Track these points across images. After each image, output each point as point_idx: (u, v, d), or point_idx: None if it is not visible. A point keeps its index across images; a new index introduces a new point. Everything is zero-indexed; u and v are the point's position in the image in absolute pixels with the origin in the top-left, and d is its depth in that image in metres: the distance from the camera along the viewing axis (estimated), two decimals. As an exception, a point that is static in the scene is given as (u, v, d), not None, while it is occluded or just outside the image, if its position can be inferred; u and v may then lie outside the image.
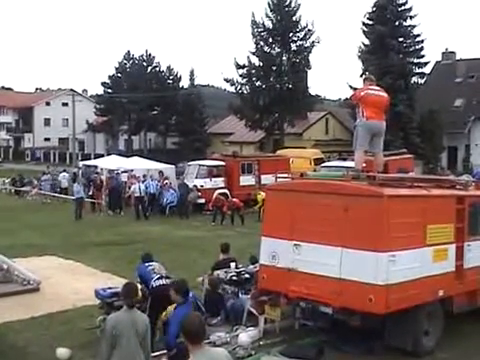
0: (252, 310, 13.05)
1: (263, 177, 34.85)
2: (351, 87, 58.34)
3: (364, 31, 61.52)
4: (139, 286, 10.81)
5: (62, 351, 11.80)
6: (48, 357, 11.86)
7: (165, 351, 9.69)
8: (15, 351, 12.22)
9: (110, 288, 12.57)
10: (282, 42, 64.01)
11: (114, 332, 7.90)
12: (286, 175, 14.53)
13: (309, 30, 64.24)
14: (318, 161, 42.95)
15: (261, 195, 29.77)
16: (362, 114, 12.34)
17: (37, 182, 45.72)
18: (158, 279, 12.18)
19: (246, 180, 35.22)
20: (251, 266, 14.47)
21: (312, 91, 68.95)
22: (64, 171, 46.07)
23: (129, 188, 34.19)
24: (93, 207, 35.91)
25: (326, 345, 11.87)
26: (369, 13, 61.07)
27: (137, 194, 32.96)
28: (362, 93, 12.57)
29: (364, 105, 12.35)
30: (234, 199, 31.83)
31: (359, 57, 61.65)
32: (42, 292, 16.97)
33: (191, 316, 6.79)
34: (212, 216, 31.01)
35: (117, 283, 13.66)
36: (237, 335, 12.16)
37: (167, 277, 12.31)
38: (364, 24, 61.54)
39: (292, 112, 63.60)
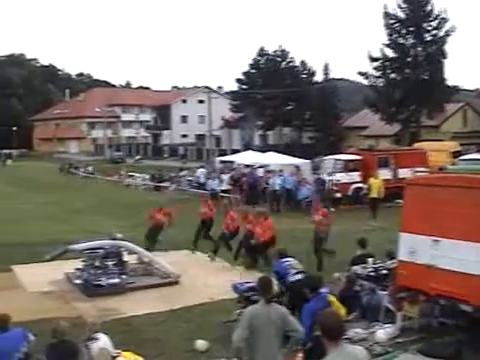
0: (390, 307, 12.82)
1: (400, 171, 34.20)
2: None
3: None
4: (275, 281, 10.86)
5: (201, 343, 12.03)
6: (186, 349, 12.11)
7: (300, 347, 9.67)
8: (155, 342, 12.55)
9: (247, 282, 12.68)
10: (416, 33, 62.59)
11: (250, 324, 7.95)
12: (424, 169, 14.19)
13: (443, 19, 62.56)
14: (456, 154, 41.65)
15: (376, 181, 29.42)
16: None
17: (175, 178, 46.83)
18: (295, 274, 12.18)
19: (383, 174, 34.52)
20: (389, 262, 14.19)
21: (449, 82, 67.07)
22: (201, 167, 46.91)
23: (266, 183, 34.36)
24: (229, 202, 36.32)
25: (464, 344, 11.49)
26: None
27: (274, 188, 33.10)
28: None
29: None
30: None
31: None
32: (181, 285, 17.37)
33: (329, 312, 6.73)
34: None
35: (254, 277, 13.76)
36: (374, 332, 11.99)
37: (304, 272, 12.30)
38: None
39: (428, 104, 62.08)
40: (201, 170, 45.37)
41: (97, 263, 16.96)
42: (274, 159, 40.14)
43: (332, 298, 10.63)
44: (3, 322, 9.29)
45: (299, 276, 12.10)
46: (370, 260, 14.29)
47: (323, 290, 9.74)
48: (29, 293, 16.87)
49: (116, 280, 16.81)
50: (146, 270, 18.53)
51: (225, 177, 36.82)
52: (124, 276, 17.11)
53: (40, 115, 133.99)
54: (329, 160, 37.39)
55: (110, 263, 17.08)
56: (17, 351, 9.03)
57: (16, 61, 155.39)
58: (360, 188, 34.16)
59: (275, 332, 8.02)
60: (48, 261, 18.26)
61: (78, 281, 17.18)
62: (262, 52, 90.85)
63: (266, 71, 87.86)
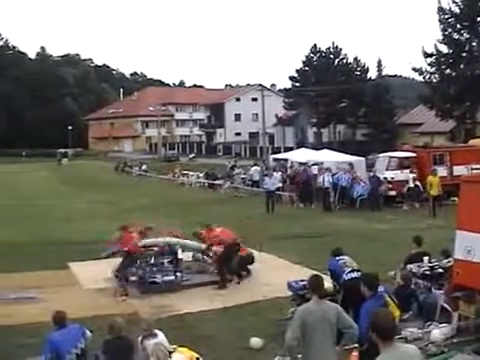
0: (445, 306, 12.66)
1: (455, 168, 33.68)
2: None
3: None
4: (329, 279, 10.80)
5: (255, 341, 12.05)
6: (240, 346, 12.14)
7: (356, 345, 9.61)
8: (209, 339, 12.62)
9: (302, 280, 12.64)
10: (471, 27, 61.35)
11: (303, 322, 7.95)
12: (480, 166, 13.99)
13: (499, 12, 61.27)
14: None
15: (435, 179, 29.15)
16: None
17: (229, 175, 46.94)
18: (350, 272, 12.11)
19: (438, 172, 34.09)
20: (445, 260, 14.00)
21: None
22: (255, 165, 46.94)
23: (322, 181, 34.20)
24: (283, 200, 36.33)
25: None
26: None
27: (324, 186, 32.98)
28: None
29: None
30: None
31: None
32: (234, 283, 17.41)
33: (382, 312, 6.69)
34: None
35: (308, 276, 13.73)
36: (429, 331, 11.84)
37: (358, 270, 12.22)
38: None
39: (485, 100, 60.97)
40: (255, 168, 45.41)
41: (152, 260, 17.11)
42: (328, 156, 39.87)
43: (387, 298, 10.53)
44: (61, 318, 9.44)
45: (354, 274, 12.02)
46: (426, 258, 14.11)
47: (380, 289, 9.63)
48: (85, 290, 17.13)
49: (171, 277, 16.95)
50: (201, 267, 18.63)
51: (278, 175, 36.74)
52: (179, 273, 17.23)
53: (95, 114, 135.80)
54: (383, 157, 37.04)
55: (165, 260, 17.22)
56: (75, 347, 9.17)
57: (71, 61, 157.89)
58: (415, 186, 33.77)
59: (329, 329, 8.01)
60: (104, 259, 18.49)
61: (133, 278, 17.38)
62: (315, 49, 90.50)
63: (319, 68, 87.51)
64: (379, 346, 6.10)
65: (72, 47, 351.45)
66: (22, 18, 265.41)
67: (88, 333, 9.63)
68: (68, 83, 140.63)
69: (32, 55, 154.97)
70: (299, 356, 8.21)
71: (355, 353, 9.55)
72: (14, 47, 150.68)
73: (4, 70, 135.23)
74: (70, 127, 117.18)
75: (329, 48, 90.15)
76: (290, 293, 13.16)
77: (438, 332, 11.74)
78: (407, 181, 33.48)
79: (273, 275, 17.61)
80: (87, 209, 35.97)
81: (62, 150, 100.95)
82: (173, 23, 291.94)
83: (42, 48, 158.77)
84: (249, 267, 18.15)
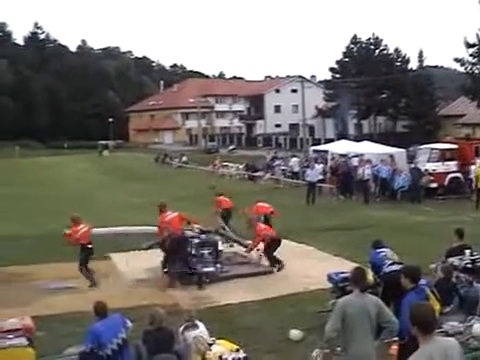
0: (488, 300, 12.53)
1: (498, 160, 33.29)
2: None
3: None
4: (370, 272, 10.76)
5: (295, 333, 12.06)
6: (279, 338, 12.17)
7: (396, 338, 9.56)
8: (249, 331, 12.66)
9: (342, 272, 12.61)
10: (514, 17, 60.57)
11: (344, 314, 7.95)
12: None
13: None
14: None
15: None
16: None
17: (270, 167, 46.95)
18: (390, 265, 12.05)
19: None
20: (487, 253, 13.86)
21: None
22: (294, 156, 46.88)
23: (362, 173, 34.05)
24: (324, 192, 36.24)
25: None
26: None
27: (364, 178, 32.82)
28: None
29: None
30: None
31: None
32: (275, 275, 17.45)
33: (423, 305, 6.65)
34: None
35: (348, 268, 13.68)
36: (471, 325, 11.72)
37: (399, 263, 12.14)
38: None
39: None
40: (294, 159, 45.36)
41: (193, 251, 17.19)
42: (368, 148, 39.65)
43: (428, 291, 10.45)
44: (102, 309, 9.54)
45: (394, 267, 11.95)
46: (467, 252, 13.94)
47: (421, 282, 9.56)
48: (126, 280, 17.29)
49: (211, 268, 17.02)
50: (241, 259, 18.69)
51: (320, 167, 36.65)
52: (219, 265, 17.31)
53: (135, 106, 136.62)
54: (425, 149, 36.74)
55: (206, 252, 17.28)
56: (116, 337, 9.26)
57: (111, 54, 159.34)
58: (456, 178, 33.46)
59: (369, 323, 8.00)
60: (144, 250, 18.63)
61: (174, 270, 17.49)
62: (355, 40, 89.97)
63: (359, 59, 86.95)
64: (419, 340, 6.07)
65: (112, 40, 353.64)
66: (63, 11, 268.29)
67: (129, 323, 9.72)
68: (109, 76, 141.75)
69: (73, 48, 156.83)
70: (338, 348, 8.21)
71: (394, 346, 9.52)
72: (55, 40, 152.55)
73: (46, 63, 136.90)
74: (111, 119, 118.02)
75: (369, 39, 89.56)
76: (330, 285, 13.14)
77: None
78: (449, 173, 33.18)
79: (313, 267, 17.61)
80: (128, 200, 36.27)
81: (103, 142, 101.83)
82: (213, 15, 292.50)
83: (83, 41, 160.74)
84: (290, 260, 18.20)
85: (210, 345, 10.03)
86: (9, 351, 8.93)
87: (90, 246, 16.99)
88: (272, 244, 17.88)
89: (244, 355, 10.35)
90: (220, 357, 9.96)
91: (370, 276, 12.01)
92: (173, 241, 16.89)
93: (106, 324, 9.30)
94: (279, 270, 17.67)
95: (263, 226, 18.67)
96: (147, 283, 16.76)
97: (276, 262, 17.82)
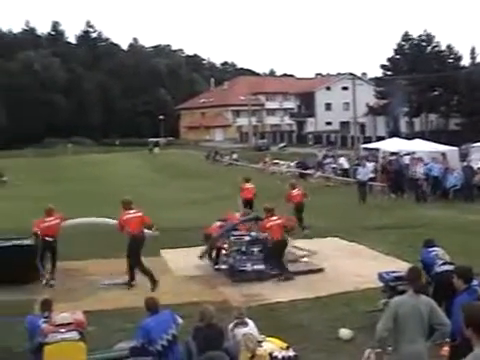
0: None
1: None
2: None
3: None
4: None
5: (345, 332, 11.99)
6: (330, 337, 12.11)
7: (448, 340, 9.44)
8: (298, 329, 12.61)
9: (393, 272, 12.50)
10: None
11: (396, 314, 7.87)
12: None
13: None
14: None
15: None
16: None
17: (320, 165, 46.79)
18: (442, 265, 11.89)
19: None
20: None
21: None
22: (342, 155, 46.69)
23: (414, 171, 33.68)
24: (375, 190, 35.95)
25: None
26: None
27: (416, 176, 32.46)
28: None
29: None
30: None
31: None
32: (325, 273, 17.36)
33: (477, 306, 6.54)
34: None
35: (400, 267, 13.58)
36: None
37: (450, 263, 11.99)
38: None
39: None
40: (343, 158, 45.17)
41: (243, 249, 17.20)
42: (420, 146, 39.22)
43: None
44: (154, 305, 9.64)
45: (446, 267, 11.79)
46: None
47: (474, 282, 9.41)
48: (176, 277, 17.39)
49: (261, 266, 17.02)
50: (291, 257, 18.64)
51: (371, 165, 36.36)
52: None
53: (186, 104, 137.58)
54: (477, 147, 36.27)
55: (255, 249, 17.27)
56: (166, 333, 9.35)
57: (162, 52, 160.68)
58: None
59: (421, 323, 7.92)
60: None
61: (223, 266, 17.55)
62: (406, 37, 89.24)
63: (411, 56, 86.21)
64: (473, 341, 5.96)
65: (163, 38, 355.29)
66: (114, 10, 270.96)
67: (179, 320, 9.80)
68: (160, 73, 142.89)
69: (124, 46, 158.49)
70: (389, 348, 8.14)
71: (446, 348, 9.40)
72: (107, 39, 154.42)
73: (98, 62, 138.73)
74: (162, 117, 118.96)
75: (421, 35, 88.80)
76: (381, 284, 13.02)
77: None
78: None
79: (364, 266, 17.47)
80: (179, 197, 36.50)
81: (154, 139, 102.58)
82: (262, 12, 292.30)
83: (134, 39, 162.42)
84: (341, 258, 18.11)
85: (259, 342, 10.03)
86: (61, 345, 9.04)
87: (49, 240, 16.95)
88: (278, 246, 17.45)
89: (294, 353, 10.34)
90: (270, 354, 9.96)
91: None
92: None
93: (157, 320, 9.40)
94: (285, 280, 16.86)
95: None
96: (197, 280, 16.83)
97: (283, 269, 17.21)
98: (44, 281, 16.58)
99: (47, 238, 16.98)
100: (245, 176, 29.48)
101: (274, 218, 17.29)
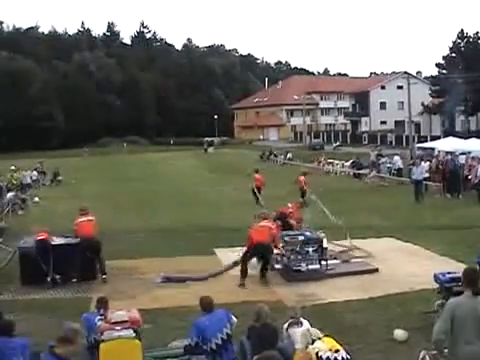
0: None
1: None
2: None
3: None
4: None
5: (400, 333, 11.91)
6: (385, 337, 12.03)
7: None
8: (353, 329, 12.57)
9: (449, 273, 12.35)
10: None
11: (453, 316, 7.75)
12: None
13: None
14: None
15: None
16: None
17: (375, 164, 46.45)
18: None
19: None
20: None
21: None
22: (396, 154, 46.28)
23: (469, 171, 33.14)
24: (430, 190, 35.53)
25: None
26: None
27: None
28: None
29: None
30: None
31: None
32: (380, 273, 17.26)
33: (470, 268, 6.45)
34: None
35: (456, 268, 13.41)
36: None
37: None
38: None
39: None
40: (397, 157, 44.78)
41: (297, 249, 17.21)
42: (476, 145, 38.63)
43: None
44: (209, 304, 9.71)
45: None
46: None
47: None
48: (231, 276, 17.44)
49: (316, 266, 17.01)
50: (345, 257, 18.59)
51: (426, 165, 35.94)
52: (323, 262, 17.28)
53: (240, 103, 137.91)
54: None
55: (310, 249, 17.25)
56: (220, 332, 9.41)
57: (216, 52, 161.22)
58: None
59: (478, 326, 7.75)
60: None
61: (278, 266, 17.58)
62: (462, 35, 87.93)
63: (467, 54, 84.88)
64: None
65: (216, 38, 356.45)
66: (169, 11, 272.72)
67: (234, 319, 9.84)
68: (215, 73, 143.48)
69: (179, 47, 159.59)
70: (446, 350, 8.05)
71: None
72: (162, 39, 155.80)
73: (153, 62, 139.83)
74: (216, 116, 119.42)
75: (477, 33, 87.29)
76: (436, 285, 12.89)
77: None
78: None
79: (419, 266, 17.34)
80: (234, 196, 36.65)
81: (208, 139, 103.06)
82: (317, 12, 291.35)
83: (188, 39, 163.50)
84: (396, 258, 17.98)
85: (313, 341, 10.01)
86: (117, 342, 9.17)
87: (86, 239, 17.07)
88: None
89: (342, 356, 10.21)
90: (317, 353, 9.92)
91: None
92: None
93: (211, 319, 9.47)
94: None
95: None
96: (251, 279, 16.83)
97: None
98: (48, 279, 16.58)
99: (83, 237, 17.15)
100: (255, 167, 38.27)
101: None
